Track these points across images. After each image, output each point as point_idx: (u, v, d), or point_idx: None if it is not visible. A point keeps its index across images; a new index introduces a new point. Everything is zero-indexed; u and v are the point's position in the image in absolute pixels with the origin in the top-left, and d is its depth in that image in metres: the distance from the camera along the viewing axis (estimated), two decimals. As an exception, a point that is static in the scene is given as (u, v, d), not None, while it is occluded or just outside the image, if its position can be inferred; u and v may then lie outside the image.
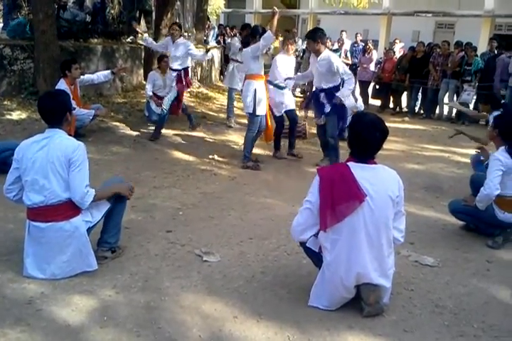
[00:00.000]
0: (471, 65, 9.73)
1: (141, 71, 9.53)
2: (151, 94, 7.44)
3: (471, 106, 9.83)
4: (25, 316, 2.70)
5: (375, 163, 2.78)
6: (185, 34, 12.40)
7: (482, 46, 15.31)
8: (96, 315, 2.76)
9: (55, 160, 3.00)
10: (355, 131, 2.75)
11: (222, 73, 13.57)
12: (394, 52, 11.38)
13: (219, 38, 14.23)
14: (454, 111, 10.05)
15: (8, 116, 6.70)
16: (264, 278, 3.26)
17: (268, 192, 5.05)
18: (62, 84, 6.09)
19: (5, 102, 7.08)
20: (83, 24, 9.74)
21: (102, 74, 6.62)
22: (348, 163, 2.74)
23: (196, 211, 4.45)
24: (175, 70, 7.41)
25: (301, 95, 12.88)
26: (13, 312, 2.72)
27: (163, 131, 7.29)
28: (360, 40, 12.43)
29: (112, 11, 10.18)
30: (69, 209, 3.07)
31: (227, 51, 12.68)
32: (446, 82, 10.02)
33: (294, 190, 5.12)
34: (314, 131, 8.00)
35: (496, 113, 5.21)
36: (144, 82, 9.08)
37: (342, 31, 12.33)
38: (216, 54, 12.67)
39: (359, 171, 2.69)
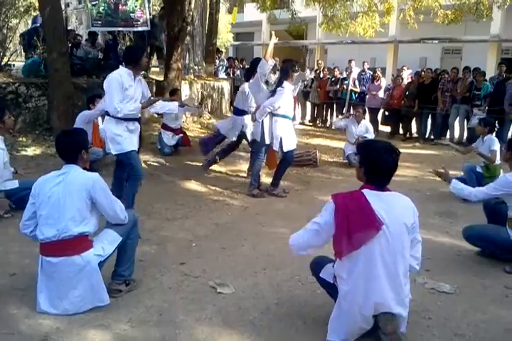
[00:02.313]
0: (481, 90, 9.79)
1: (153, 104, 9.69)
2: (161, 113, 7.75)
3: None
4: (40, 352, 2.70)
5: (389, 190, 2.77)
6: (196, 67, 12.68)
7: (490, 70, 15.41)
8: (111, 350, 2.75)
9: (73, 193, 3.08)
10: (371, 160, 2.72)
11: (232, 104, 13.78)
12: (402, 79, 11.51)
13: (228, 70, 14.49)
14: (465, 134, 10.06)
15: (24, 152, 6.84)
16: (279, 309, 3.23)
17: (280, 222, 5.05)
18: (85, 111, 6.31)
19: (20, 138, 7.24)
20: (96, 61, 10.02)
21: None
22: (363, 191, 2.73)
23: (209, 242, 4.45)
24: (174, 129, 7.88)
25: (311, 124, 13.02)
26: (29, 349, 2.72)
27: (175, 162, 7.39)
28: (368, 68, 12.60)
29: (124, 48, 10.46)
30: (81, 243, 3.10)
31: (236, 83, 12.93)
32: (456, 107, 10.07)
33: (306, 219, 5.05)
34: (325, 158, 8.06)
35: (488, 137, 6.28)
36: (156, 115, 9.25)
37: (350, 60, 12.54)
38: (226, 86, 12.89)
39: (375, 199, 2.68)
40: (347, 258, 2.71)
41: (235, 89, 13.53)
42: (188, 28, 10.57)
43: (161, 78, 10.11)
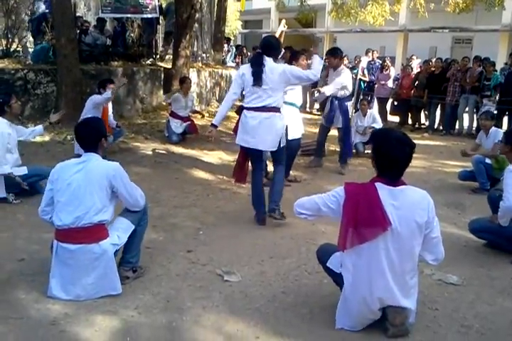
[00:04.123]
0: (490, 80, 9.69)
1: (161, 92, 9.69)
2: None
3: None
4: (49, 337, 2.72)
5: (404, 184, 2.69)
6: (204, 55, 12.63)
7: (501, 61, 15.24)
8: (119, 335, 2.77)
9: (95, 181, 3.10)
10: (383, 152, 2.63)
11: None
12: (412, 69, 11.41)
13: (237, 58, 14.41)
14: (475, 125, 9.98)
15: (32, 139, 6.84)
16: (286, 297, 3.25)
17: (288, 211, 5.02)
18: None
19: (28, 125, 7.24)
20: (104, 47, 10.00)
21: (36, 132, 5.58)
22: (376, 184, 2.65)
23: (216, 230, 4.46)
24: (182, 117, 7.82)
25: (319, 113, 12.95)
26: (38, 333, 2.75)
27: (183, 150, 7.40)
28: (377, 57, 12.49)
29: (132, 34, 10.42)
30: (98, 231, 3.13)
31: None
32: (466, 98, 9.99)
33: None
34: (332, 148, 8.03)
35: (494, 129, 6.18)
36: (164, 103, 9.25)
37: (367, 50, 12.50)
38: (234, 74, 12.84)
39: (386, 195, 2.60)
40: (352, 251, 2.70)
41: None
42: (197, 15, 10.53)
43: (169, 66, 10.08)
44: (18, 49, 9.19)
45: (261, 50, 4.49)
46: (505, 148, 4.22)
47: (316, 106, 13.43)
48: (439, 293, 3.36)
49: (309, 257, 3.89)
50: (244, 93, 4.56)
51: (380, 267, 2.65)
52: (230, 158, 7.42)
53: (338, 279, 2.92)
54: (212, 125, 4.63)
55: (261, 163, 4.72)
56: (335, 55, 6.68)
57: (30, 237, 4.09)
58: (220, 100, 11.66)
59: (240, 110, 4.67)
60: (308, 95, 13.16)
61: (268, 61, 4.36)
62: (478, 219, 4.20)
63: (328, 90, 6.58)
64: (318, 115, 12.76)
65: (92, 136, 3.24)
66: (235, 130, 4.73)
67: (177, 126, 7.80)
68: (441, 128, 10.79)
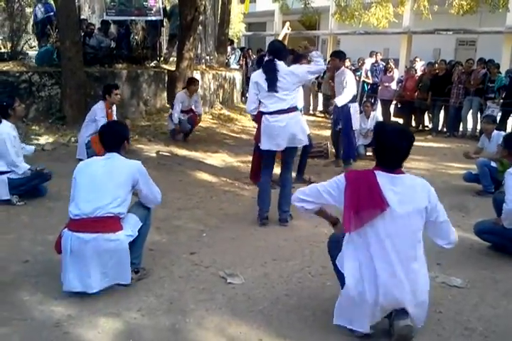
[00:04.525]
0: (494, 82, 9.67)
1: (165, 94, 9.71)
2: (179, 116, 7.67)
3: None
4: (53, 338, 2.73)
5: (402, 173, 2.73)
6: (207, 57, 12.66)
7: (505, 63, 15.22)
8: (122, 337, 2.77)
9: (118, 177, 3.23)
10: (381, 141, 2.72)
11: (243, 95, 13.76)
12: (415, 71, 11.39)
13: (241, 60, 14.43)
14: (478, 127, 9.96)
15: (36, 141, 6.88)
16: (289, 300, 3.24)
17: (291, 212, 5.04)
18: (99, 105, 6.34)
19: (33, 127, 7.29)
20: (108, 50, 10.04)
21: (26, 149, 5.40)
22: (375, 172, 2.70)
23: (220, 232, 4.47)
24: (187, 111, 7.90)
25: (322, 115, 12.96)
26: (42, 335, 2.76)
27: (186, 152, 7.42)
28: (381, 59, 12.49)
29: (136, 37, 10.46)
30: (114, 223, 3.20)
31: (250, 73, 12.89)
32: (470, 100, 9.97)
33: (317, 211, 5.11)
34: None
35: (496, 133, 5.96)
36: (168, 105, 9.26)
37: (371, 52, 12.53)
38: (238, 76, 12.86)
39: (384, 180, 2.65)
40: (354, 237, 2.68)
41: (247, 79, 13.52)
42: (201, 17, 10.53)
43: (173, 68, 10.11)
44: (22, 52, 9.22)
45: (271, 55, 4.60)
46: (504, 152, 4.33)
47: (320, 108, 13.43)
48: (443, 295, 3.35)
49: (313, 259, 3.89)
50: (259, 98, 4.59)
51: (383, 254, 2.63)
52: (233, 160, 7.44)
53: (341, 278, 2.87)
54: None
55: (273, 164, 4.84)
56: (339, 57, 6.80)
57: (35, 239, 4.11)
58: (223, 102, 11.69)
59: (257, 117, 4.67)
60: (311, 97, 13.18)
61: (280, 65, 4.50)
62: (483, 221, 4.20)
63: (340, 102, 6.60)
64: (322, 117, 12.78)
65: (116, 139, 3.39)
66: (255, 138, 4.74)
67: (179, 117, 7.83)
68: (445, 130, 10.77)
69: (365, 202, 2.63)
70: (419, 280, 2.72)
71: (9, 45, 9.09)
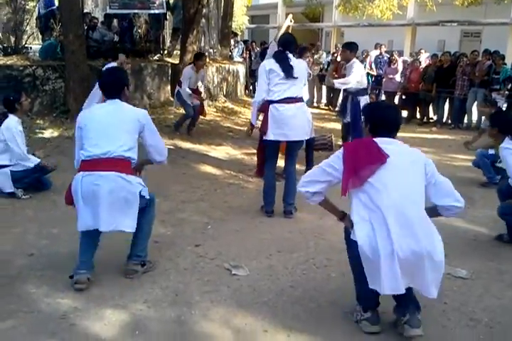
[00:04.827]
0: (499, 74, 9.61)
1: (168, 88, 9.69)
2: (190, 91, 7.63)
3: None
4: (59, 331, 2.75)
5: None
6: (211, 50, 12.62)
7: (510, 54, 15.11)
8: (128, 329, 2.79)
9: (125, 122, 3.22)
10: (371, 115, 2.90)
11: (247, 88, 13.73)
12: (420, 62, 11.34)
13: (244, 53, 14.38)
14: (483, 119, 9.91)
15: (41, 135, 6.89)
16: (294, 291, 3.25)
17: (296, 205, 5.04)
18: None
19: (37, 121, 7.29)
20: (111, 43, 10.01)
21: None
22: (374, 138, 2.78)
23: (224, 225, 4.48)
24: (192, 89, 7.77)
25: (326, 107, 12.93)
26: (49, 327, 2.77)
27: (190, 145, 7.41)
28: (385, 51, 12.43)
29: (139, 30, 10.43)
30: (127, 166, 3.21)
31: (254, 66, 12.86)
32: (474, 91, 9.91)
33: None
34: (340, 142, 8.01)
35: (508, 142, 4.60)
36: (171, 99, 9.25)
37: (376, 44, 12.49)
38: (241, 69, 12.82)
39: (383, 142, 2.73)
40: (363, 198, 2.66)
41: (250, 72, 13.48)
42: (204, 10, 10.50)
43: (176, 61, 10.09)
44: (26, 45, 9.22)
45: (282, 47, 4.64)
46: (493, 130, 4.43)
47: (324, 100, 13.40)
48: (448, 286, 3.34)
49: (317, 251, 3.89)
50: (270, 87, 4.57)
51: (391, 204, 2.60)
52: (237, 152, 7.44)
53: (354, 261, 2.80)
54: (251, 125, 4.93)
55: (277, 157, 4.86)
56: (350, 48, 6.70)
57: (40, 232, 4.13)
58: (227, 95, 11.66)
59: (263, 107, 4.64)
60: (315, 90, 13.14)
61: (291, 57, 4.57)
62: (506, 203, 4.16)
63: (337, 84, 6.70)
64: (326, 109, 12.75)
65: (116, 84, 3.35)
66: (262, 129, 4.67)
67: (188, 96, 7.68)
68: (449, 122, 10.73)
69: (364, 160, 2.67)
70: (434, 235, 2.68)
71: (13, 39, 9.08)
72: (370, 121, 2.88)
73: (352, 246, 2.73)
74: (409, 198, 2.63)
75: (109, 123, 3.19)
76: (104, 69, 3.60)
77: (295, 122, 4.53)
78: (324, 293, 3.24)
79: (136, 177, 3.28)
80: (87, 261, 3.24)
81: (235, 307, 3.04)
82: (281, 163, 5.13)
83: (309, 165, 6.34)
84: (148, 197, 3.30)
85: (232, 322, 2.88)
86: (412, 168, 2.71)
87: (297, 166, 6.19)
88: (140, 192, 3.22)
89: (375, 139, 2.76)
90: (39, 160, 5.02)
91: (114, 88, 3.35)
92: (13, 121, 4.89)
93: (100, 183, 3.09)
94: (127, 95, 3.44)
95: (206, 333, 2.78)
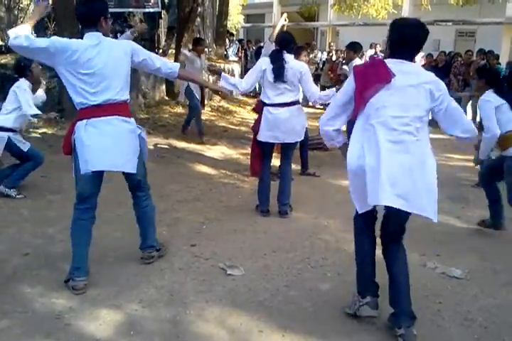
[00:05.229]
0: (494, 73, 9.64)
1: (163, 87, 9.69)
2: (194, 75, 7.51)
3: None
4: (54, 331, 2.74)
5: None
6: (206, 50, 12.60)
7: (504, 53, 15.16)
8: (123, 329, 2.78)
9: (117, 60, 3.16)
10: (397, 30, 2.73)
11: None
12: (414, 62, 11.36)
13: (239, 52, 14.38)
14: (478, 119, 9.93)
15: (34, 134, 6.86)
16: (289, 291, 3.25)
17: (291, 204, 5.05)
18: None
19: (31, 120, 7.24)
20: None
21: (39, 96, 5.55)
22: (385, 60, 2.73)
23: (220, 224, 4.47)
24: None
25: (321, 107, 12.94)
26: (43, 327, 2.76)
27: (185, 144, 7.40)
28: (380, 51, 12.46)
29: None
30: (127, 109, 3.26)
31: (249, 65, 12.84)
32: (469, 91, 9.94)
33: (317, 202, 5.13)
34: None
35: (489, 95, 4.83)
36: (167, 98, 9.24)
37: (371, 44, 12.49)
38: (236, 68, 12.81)
39: (392, 64, 2.66)
40: (363, 120, 2.69)
41: (246, 71, 13.46)
42: (199, 9, 10.48)
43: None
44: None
45: (278, 46, 4.56)
46: (480, 83, 4.49)
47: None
48: (443, 286, 3.36)
49: (313, 251, 3.90)
50: (263, 88, 4.56)
51: (385, 122, 2.62)
52: (232, 152, 7.43)
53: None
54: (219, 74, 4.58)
55: (271, 157, 4.85)
56: (354, 49, 6.80)
57: (35, 232, 4.11)
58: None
59: (258, 107, 4.63)
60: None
61: (288, 57, 4.47)
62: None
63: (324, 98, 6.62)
64: (321, 109, 12.76)
65: (91, 13, 3.15)
66: (254, 128, 4.68)
67: (196, 87, 7.60)
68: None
69: (371, 80, 2.65)
70: (426, 159, 2.68)
71: (7, 37, 9.04)
72: (390, 39, 2.77)
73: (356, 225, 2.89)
74: (405, 119, 2.63)
75: (106, 67, 3.11)
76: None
77: (287, 125, 4.49)
78: (319, 292, 3.25)
79: (134, 120, 3.33)
80: (82, 267, 3.20)
81: (230, 307, 3.04)
82: (275, 162, 5.13)
83: (304, 167, 6.34)
84: (145, 138, 3.42)
85: (227, 322, 2.88)
86: (418, 90, 2.65)
87: (292, 166, 6.21)
88: (140, 134, 3.32)
89: (386, 60, 2.71)
90: (39, 112, 5.00)
91: (89, 18, 3.15)
92: (23, 82, 4.97)
93: (104, 128, 3.13)
94: (106, 28, 3.23)
95: (201, 333, 2.77)
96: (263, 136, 4.55)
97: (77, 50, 3.05)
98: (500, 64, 10.08)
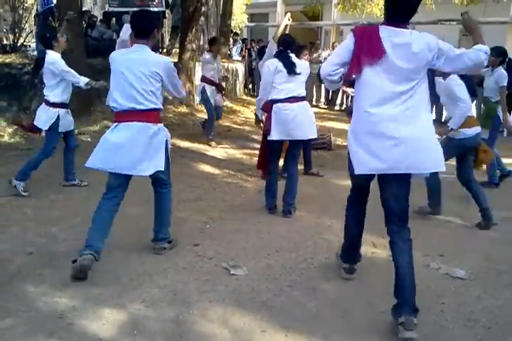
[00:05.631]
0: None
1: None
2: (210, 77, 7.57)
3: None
4: (57, 330, 2.74)
5: (407, 28, 2.80)
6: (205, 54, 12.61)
7: (508, 53, 15.08)
8: (126, 328, 2.79)
9: (150, 70, 3.36)
10: None
11: (246, 86, 13.72)
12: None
13: (243, 51, 14.37)
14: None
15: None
16: (292, 291, 3.25)
17: (295, 205, 5.04)
18: None
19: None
20: (110, 41, 9.98)
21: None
22: (380, 26, 2.81)
23: (223, 224, 4.47)
24: (214, 83, 7.64)
25: (325, 107, 12.92)
26: (46, 326, 2.77)
27: (189, 144, 7.40)
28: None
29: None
30: (156, 116, 3.47)
31: (253, 65, 12.84)
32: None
33: (319, 202, 5.12)
34: (339, 142, 8.01)
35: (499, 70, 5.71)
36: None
37: None
38: (240, 68, 12.81)
39: (386, 33, 2.75)
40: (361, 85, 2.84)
41: (249, 71, 13.46)
42: (203, 8, 10.48)
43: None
44: (25, 44, 9.20)
45: (282, 47, 4.66)
46: (497, 60, 5.14)
47: (323, 99, 13.40)
48: (446, 287, 3.35)
49: (316, 251, 3.90)
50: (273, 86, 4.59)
51: (377, 89, 2.78)
52: (236, 152, 7.43)
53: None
54: (258, 120, 5.06)
55: (280, 157, 4.88)
56: None
57: (39, 231, 4.12)
58: (226, 94, 11.61)
59: (266, 107, 4.63)
60: (314, 89, 13.13)
61: (292, 55, 4.62)
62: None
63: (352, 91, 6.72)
64: (325, 108, 12.74)
65: (147, 25, 3.46)
66: (267, 128, 4.62)
67: (212, 92, 7.57)
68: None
69: (365, 51, 2.78)
70: (419, 120, 2.78)
71: (11, 37, 9.06)
72: (384, 5, 2.89)
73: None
74: (397, 85, 2.75)
75: (137, 76, 3.34)
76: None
77: (298, 121, 4.54)
78: (323, 292, 3.24)
79: (163, 127, 3.54)
80: (94, 245, 3.31)
81: (234, 307, 3.04)
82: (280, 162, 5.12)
83: (307, 166, 6.33)
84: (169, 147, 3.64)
85: (231, 322, 2.88)
86: (409, 62, 2.74)
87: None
88: (166, 142, 3.55)
89: (384, 28, 2.77)
90: (87, 79, 5.12)
91: (145, 30, 3.44)
92: (54, 54, 5.01)
93: (132, 133, 3.37)
94: (156, 39, 3.59)
95: (204, 333, 2.77)
96: (274, 134, 4.56)
97: (118, 59, 3.43)
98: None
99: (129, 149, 3.37)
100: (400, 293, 2.78)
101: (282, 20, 5.69)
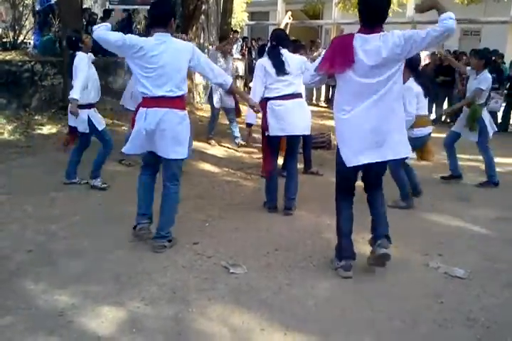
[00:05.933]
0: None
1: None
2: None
3: (500, 113, 9.71)
4: (57, 327, 2.75)
5: (380, 32, 3.09)
6: (210, 47, 12.59)
7: (509, 53, 15.09)
8: (125, 326, 2.79)
9: (179, 59, 3.52)
10: (364, 2, 3.14)
11: (246, 84, 13.71)
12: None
13: (243, 50, 14.36)
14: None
15: (39, 131, 6.88)
16: (291, 290, 3.26)
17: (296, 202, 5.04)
18: None
19: (36, 117, 7.28)
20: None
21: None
22: (355, 34, 3.11)
23: (222, 222, 4.48)
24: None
25: (325, 105, 12.91)
26: (46, 324, 2.78)
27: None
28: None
29: (139, 26, 10.40)
30: (182, 102, 3.63)
31: (253, 63, 12.81)
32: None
33: (319, 200, 5.11)
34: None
35: (484, 73, 5.76)
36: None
37: None
38: (240, 66, 12.80)
39: (359, 42, 3.07)
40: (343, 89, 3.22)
41: (250, 69, 13.45)
42: (203, 6, 10.47)
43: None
44: (25, 41, 9.19)
45: (275, 42, 4.63)
46: (480, 62, 5.55)
47: (323, 98, 13.39)
48: (445, 286, 3.36)
49: (315, 249, 3.90)
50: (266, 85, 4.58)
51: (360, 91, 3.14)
52: (235, 150, 7.42)
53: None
54: (248, 125, 5.07)
55: (278, 154, 4.90)
56: None
57: (38, 229, 4.12)
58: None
59: (262, 104, 4.62)
60: (314, 87, 13.12)
61: (284, 51, 4.58)
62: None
63: None
64: (325, 107, 12.73)
65: (165, 13, 3.57)
66: (263, 126, 4.64)
67: (224, 95, 7.34)
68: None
69: (337, 58, 3.12)
70: (395, 118, 3.21)
71: (11, 34, 9.05)
72: (362, 8, 3.14)
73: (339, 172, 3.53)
74: (372, 87, 3.11)
75: (167, 64, 3.47)
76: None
77: (293, 116, 4.55)
78: (322, 291, 3.25)
79: (184, 113, 3.67)
80: (148, 213, 3.82)
81: (233, 305, 3.04)
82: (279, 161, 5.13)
83: (307, 165, 6.33)
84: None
85: (230, 320, 2.88)
86: (380, 65, 3.05)
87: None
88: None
89: (358, 37, 3.08)
90: (76, 99, 5.02)
91: (163, 18, 3.53)
92: (81, 55, 5.07)
93: (161, 120, 3.51)
94: (173, 28, 3.63)
95: (203, 331, 2.78)
96: (272, 130, 4.56)
97: (144, 47, 3.46)
98: (504, 63, 10.04)
99: (159, 135, 3.54)
100: (376, 228, 3.41)
101: (283, 19, 5.69)
